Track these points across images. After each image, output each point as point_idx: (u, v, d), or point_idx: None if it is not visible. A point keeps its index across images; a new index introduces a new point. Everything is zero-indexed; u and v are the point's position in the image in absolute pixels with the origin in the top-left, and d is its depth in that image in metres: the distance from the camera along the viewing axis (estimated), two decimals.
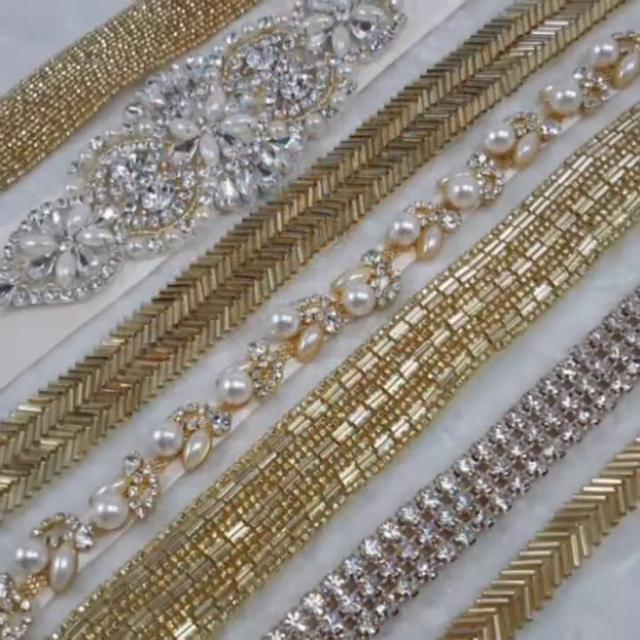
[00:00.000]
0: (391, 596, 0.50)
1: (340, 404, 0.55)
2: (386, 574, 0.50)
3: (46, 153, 0.67)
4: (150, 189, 0.62)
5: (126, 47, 0.69)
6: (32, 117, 0.67)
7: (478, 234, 0.61)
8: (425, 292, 0.58)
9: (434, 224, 0.61)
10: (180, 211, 0.62)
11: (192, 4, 0.71)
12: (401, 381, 0.56)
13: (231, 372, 0.56)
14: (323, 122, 0.65)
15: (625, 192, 0.60)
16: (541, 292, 0.58)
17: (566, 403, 0.54)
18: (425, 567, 0.50)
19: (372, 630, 0.49)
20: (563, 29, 0.67)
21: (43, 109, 0.67)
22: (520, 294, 0.58)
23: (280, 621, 0.50)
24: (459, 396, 0.56)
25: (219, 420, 0.55)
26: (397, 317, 0.57)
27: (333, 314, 0.58)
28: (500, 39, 0.67)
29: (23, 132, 0.66)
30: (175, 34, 0.70)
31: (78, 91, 0.67)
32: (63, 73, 0.68)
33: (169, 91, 0.66)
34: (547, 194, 0.61)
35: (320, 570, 0.51)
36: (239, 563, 0.51)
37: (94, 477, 0.55)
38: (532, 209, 0.60)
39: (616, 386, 0.55)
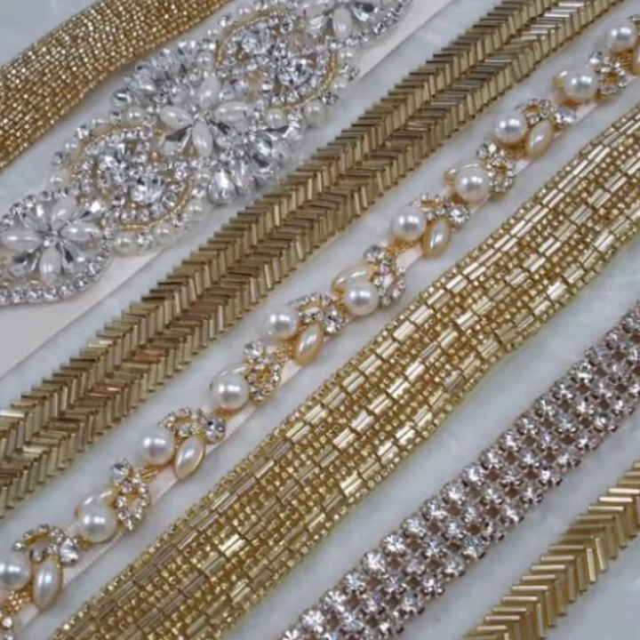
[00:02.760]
0: (395, 614, 0.50)
1: (342, 409, 0.55)
2: (390, 590, 0.50)
3: (29, 142, 0.67)
4: (140, 181, 0.62)
5: (114, 30, 0.69)
6: (14, 105, 0.67)
7: (488, 229, 0.61)
8: (431, 290, 0.58)
9: (441, 218, 0.61)
10: (172, 204, 0.62)
11: None
12: (406, 385, 0.56)
13: (226, 376, 0.56)
14: (323, 110, 0.65)
15: None
16: (555, 290, 0.58)
17: (581, 408, 0.54)
18: (431, 582, 0.50)
19: None
20: (578, 11, 0.67)
21: (25, 96, 0.67)
22: (532, 293, 0.58)
23: None
24: (467, 401, 0.56)
25: (212, 427, 0.55)
26: (402, 317, 0.57)
27: (334, 313, 0.58)
28: (512, 22, 0.67)
29: (5, 121, 0.66)
30: (166, 16, 0.70)
31: (63, 76, 0.67)
32: (47, 57, 0.68)
33: (159, 76, 0.66)
34: (561, 186, 0.61)
35: (320, 585, 0.51)
36: (234, 578, 0.51)
37: (80, 487, 0.55)
38: (545, 202, 0.60)
39: (634, 390, 0.55)
